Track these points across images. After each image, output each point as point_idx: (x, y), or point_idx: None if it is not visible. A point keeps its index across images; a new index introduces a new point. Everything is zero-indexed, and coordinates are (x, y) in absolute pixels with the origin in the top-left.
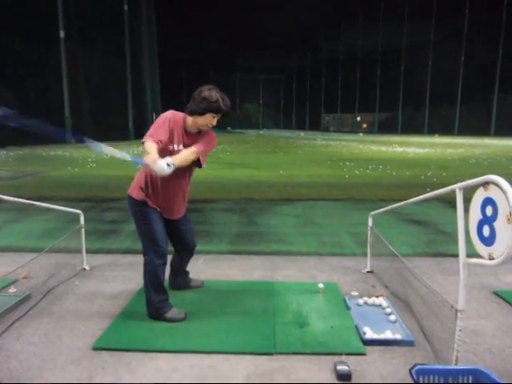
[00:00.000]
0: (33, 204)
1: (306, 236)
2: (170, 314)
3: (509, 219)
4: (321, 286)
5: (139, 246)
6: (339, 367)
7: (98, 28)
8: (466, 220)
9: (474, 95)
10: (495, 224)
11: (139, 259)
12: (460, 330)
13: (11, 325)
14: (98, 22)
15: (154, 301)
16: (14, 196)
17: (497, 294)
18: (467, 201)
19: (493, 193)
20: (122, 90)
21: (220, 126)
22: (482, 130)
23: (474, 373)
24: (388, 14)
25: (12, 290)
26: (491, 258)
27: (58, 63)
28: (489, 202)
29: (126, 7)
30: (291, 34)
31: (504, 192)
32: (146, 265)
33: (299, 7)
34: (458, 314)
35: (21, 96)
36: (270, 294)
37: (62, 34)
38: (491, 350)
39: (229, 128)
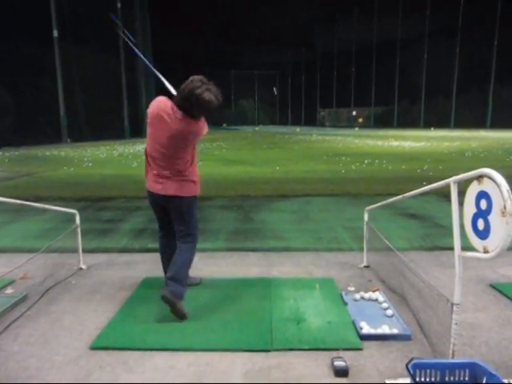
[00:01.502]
0: (29, 205)
1: (302, 232)
2: (180, 304)
3: (503, 212)
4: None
5: (136, 244)
6: (336, 363)
7: (91, 26)
8: (461, 213)
9: (470, 88)
10: (490, 217)
11: (136, 258)
12: (456, 324)
13: (9, 325)
14: (92, 20)
15: (184, 282)
16: (10, 196)
17: (493, 286)
18: (463, 194)
19: (487, 186)
20: (117, 88)
21: (215, 123)
22: (478, 123)
23: (471, 366)
24: (382, 8)
25: (9, 290)
26: (486, 252)
27: (52, 62)
28: (483, 195)
29: (119, 5)
30: (286, 29)
31: (498, 185)
32: (194, 245)
33: (293, 2)
34: (454, 307)
35: (16, 95)
36: (267, 291)
37: (55, 33)
38: (488, 343)
39: (224, 125)
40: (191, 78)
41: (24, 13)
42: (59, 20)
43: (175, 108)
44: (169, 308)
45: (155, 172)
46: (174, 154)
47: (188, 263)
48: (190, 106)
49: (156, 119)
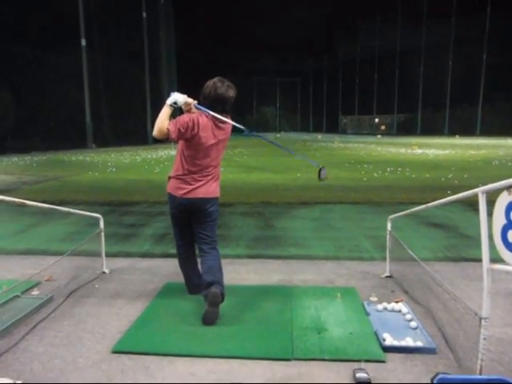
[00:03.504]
0: (55, 208)
1: (323, 240)
2: (219, 308)
3: None
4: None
5: (157, 249)
6: (358, 374)
7: (117, 35)
8: (490, 224)
9: (497, 95)
10: None
11: (157, 263)
12: (484, 339)
13: (34, 326)
14: (118, 30)
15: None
16: (37, 199)
17: None
18: (491, 203)
19: None
20: (141, 95)
21: (236, 130)
22: (505, 131)
23: (499, 383)
24: (406, 15)
25: (35, 292)
26: None
27: (79, 70)
28: None
29: (144, 14)
30: (308, 36)
31: None
32: (219, 250)
33: (316, 10)
34: (482, 321)
35: (43, 102)
36: (288, 299)
37: (83, 42)
38: None
39: (246, 131)
40: (208, 83)
41: (53, 23)
42: (87, 29)
43: (208, 116)
44: (207, 307)
45: (192, 177)
46: (215, 160)
47: (221, 267)
48: (219, 105)
49: (203, 135)
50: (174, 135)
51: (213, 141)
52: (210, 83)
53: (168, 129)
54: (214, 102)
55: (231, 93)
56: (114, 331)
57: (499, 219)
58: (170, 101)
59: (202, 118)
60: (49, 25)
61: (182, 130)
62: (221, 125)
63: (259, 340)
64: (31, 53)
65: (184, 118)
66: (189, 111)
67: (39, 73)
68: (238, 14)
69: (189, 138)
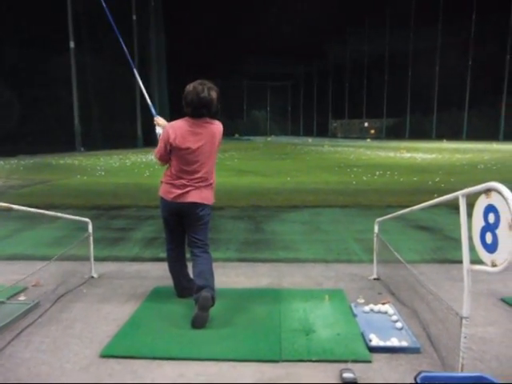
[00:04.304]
0: (42, 212)
1: (312, 243)
2: (209, 313)
3: (510, 226)
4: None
5: (147, 253)
6: (345, 375)
7: (106, 37)
8: (470, 227)
9: (483, 100)
10: (497, 231)
11: (146, 267)
12: (465, 337)
13: (20, 332)
14: (107, 32)
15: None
16: (24, 204)
17: (504, 300)
18: (472, 206)
19: (494, 200)
20: (131, 98)
21: (227, 133)
22: (490, 135)
23: (480, 380)
24: (394, 19)
25: (22, 297)
26: (494, 265)
27: (68, 72)
28: (491, 209)
29: (134, 17)
30: (298, 40)
31: (505, 199)
32: (210, 253)
33: (305, 14)
34: (463, 320)
35: (31, 104)
36: (277, 302)
37: (72, 44)
38: (498, 358)
39: (236, 135)
40: (188, 89)
41: (41, 24)
42: (76, 31)
43: (190, 120)
44: (197, 311)
45: (181, 182)
46: (204, 165)
47: (212, 271)
48: (204, 110)
49: (181, 142)
50: (163, 161)
51: (194, 145)
52: (189, 89)
53: (157, 160)
54: (199, 108)
55: (213, 94)
56: (103, 335)
57: (478, 221)
58: (158, 133)
59: (172, 128)
60: (37, 26)
61: (163, 153)
62: (197, 130)
63: (248, 342)
64: (18, 54)
65: (159, 143)
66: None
67: (27, 75)
68: (229, 17)
69: (173, 150)
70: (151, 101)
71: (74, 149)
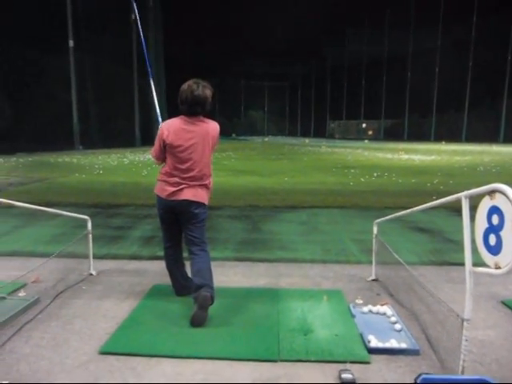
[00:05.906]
0: (41, 210)
1: (310, 243)
2: (208, 311)
3: None
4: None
5: (145, 251)
6: (343, 375)
7: (105, 36)
8: (473, 228)
9: (482, 101)
10: (501, 233)
11: (145, 265)
12: (466, 340)
13: (21, 328)
14: (106, 31)
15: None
16: (22, 201)
17: (505, 303)
18: (474, 209)
19: (499, 201)
20: (129, 97)
21: (225, 133)
22: (490, 137)
23: (481, 383)
24: (393, 20)
25: (22, 293)
26: (498, 268)
27: (66, 71)
28: (495, 210)
29: (133, 16)
30: (296, 40)
31: (510, 201)
32: (208, 251)
33: (304, 14)
34: (465, 323)
35: (30, 103)
36: (275, 301)
37: (71, 43)
38: (499, 361)
39: (234, 135)
40: (183, 88)
41: (41, 23)
42: (75, 30)
43: (184, 118)
44: (196, 309)
45: (175, 180)
46: (198, 163)
47: (211, 269)
48: (198, 107)
49: (174, 139)
50: (159, 160)
51: (187, 143)
52: (184, 87)
53: (154, 159)
54: (193, 106)
55: (208, 93)
56: (102, 332)
57: (481, 223)
58: None
59: (166, 125)
60: (36, 25)
61: (159, 152)
62: (190, 127)
63: (246, 341)
64: (17, 53)
65: (155, 144)
66: None
67: (25, 73)
68: (227, 17)
69: (167, 147)
70: (152, 99)
71: (72, 147)
